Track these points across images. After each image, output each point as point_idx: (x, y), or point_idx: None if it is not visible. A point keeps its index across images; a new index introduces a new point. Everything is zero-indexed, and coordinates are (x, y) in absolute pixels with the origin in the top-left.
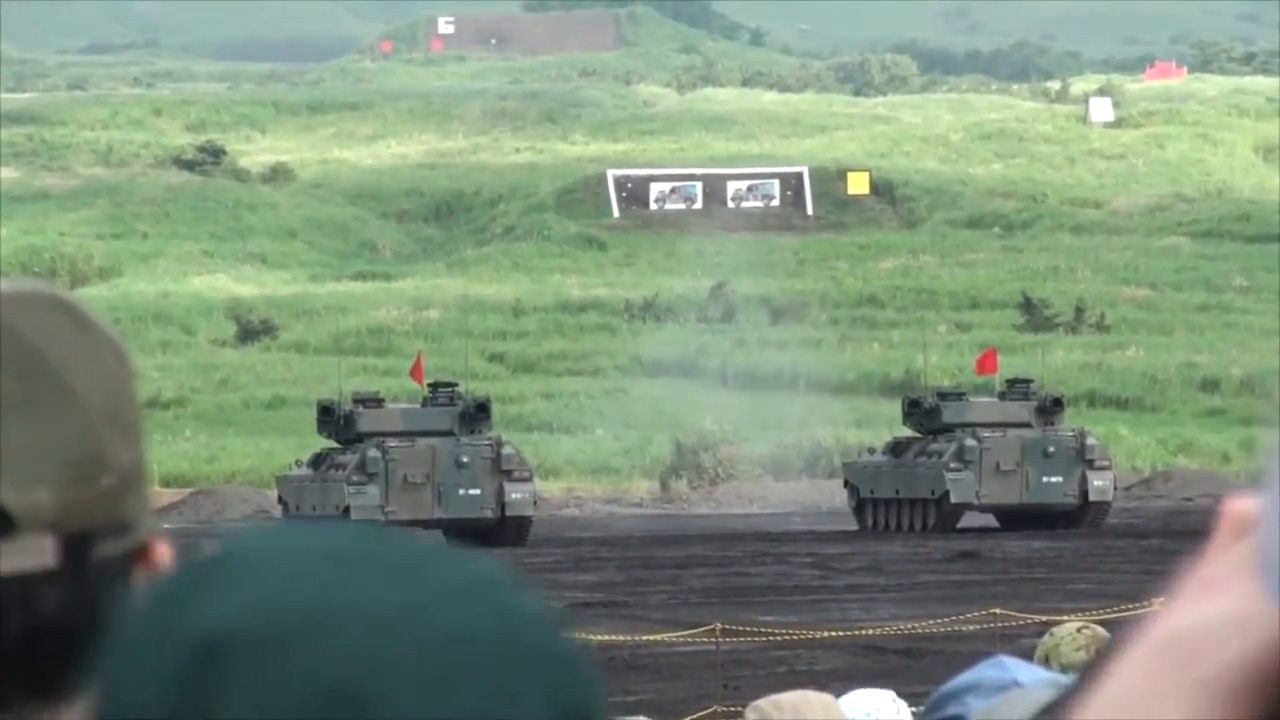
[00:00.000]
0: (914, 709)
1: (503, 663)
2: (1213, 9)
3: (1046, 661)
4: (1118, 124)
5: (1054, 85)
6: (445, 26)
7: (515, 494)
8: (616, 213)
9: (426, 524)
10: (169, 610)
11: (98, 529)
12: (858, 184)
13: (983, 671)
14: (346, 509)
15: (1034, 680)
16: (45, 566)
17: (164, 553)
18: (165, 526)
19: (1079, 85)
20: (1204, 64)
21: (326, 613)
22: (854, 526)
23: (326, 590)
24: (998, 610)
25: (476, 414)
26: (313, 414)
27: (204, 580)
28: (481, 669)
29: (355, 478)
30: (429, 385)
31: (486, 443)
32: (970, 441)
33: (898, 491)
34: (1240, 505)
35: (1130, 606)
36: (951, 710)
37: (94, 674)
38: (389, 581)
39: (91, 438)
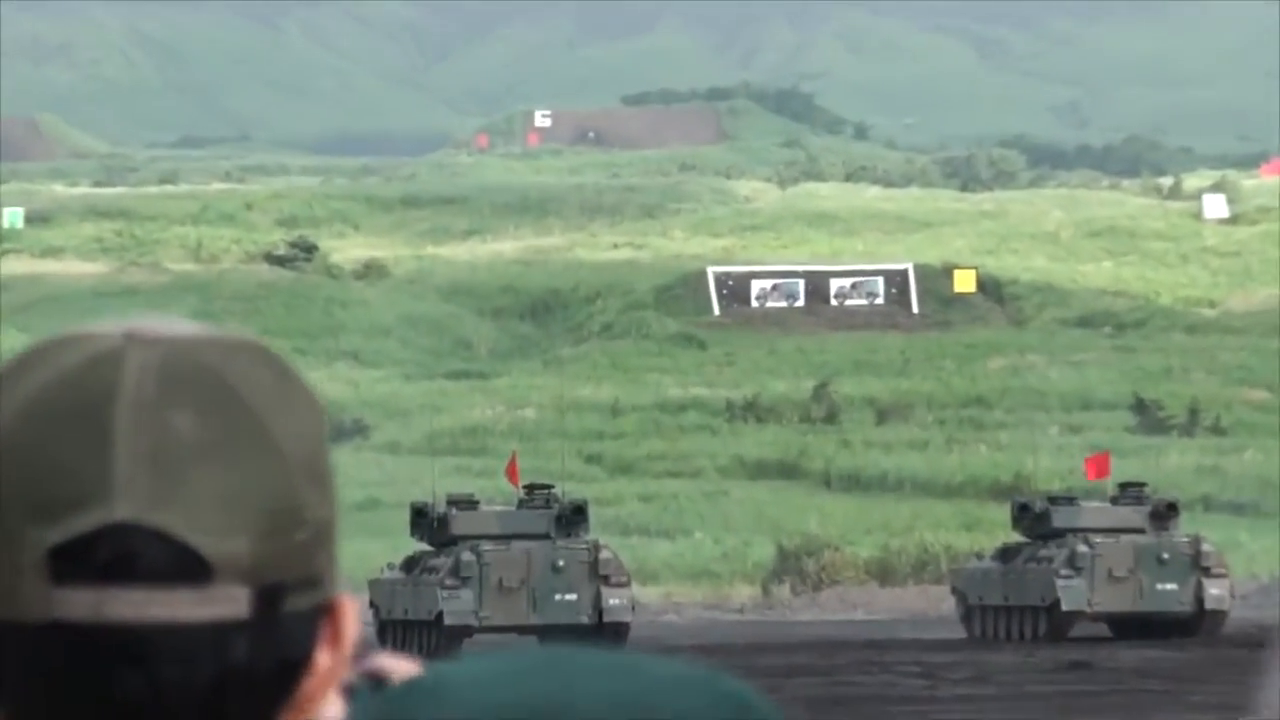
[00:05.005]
0: None
1: None
2: None
3: None
4: (1232, 221)
5: (1167, 181)
6: (542, 120)
7: (612, 599)
8: (717, 310)
9: (522, 630)
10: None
11: (290, 582)
12: (964, 282)
13: None
14: (440, 614)
15: None
16: (238, 616)
17: (351, 611)
18: None
19: (1192, 181)
20: None
21: (549, 709)
22: (962, 634)
23: (547, 690)
24: None
25: (573, 516)
26: (406, 516)
27: (427, 693)
28: None
29: (449, 581)
30: (524, 487)
31: (583, 546)
32: (1082, 547)
33: (1007, 598)
34: None
35: None
36: None
37: None
38: (605, 678)
39: (290, 488)
